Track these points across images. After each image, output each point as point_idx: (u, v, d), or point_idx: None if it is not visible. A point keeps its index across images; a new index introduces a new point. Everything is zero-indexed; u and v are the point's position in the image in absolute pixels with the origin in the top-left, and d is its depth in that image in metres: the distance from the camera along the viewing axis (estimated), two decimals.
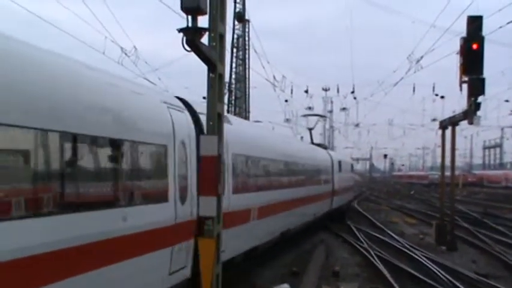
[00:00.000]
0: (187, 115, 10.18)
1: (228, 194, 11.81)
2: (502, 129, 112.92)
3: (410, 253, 19.58)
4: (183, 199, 9.33)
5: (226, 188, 11.48)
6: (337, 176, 31.86)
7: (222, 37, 8.04)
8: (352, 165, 44.04)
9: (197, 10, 6.83)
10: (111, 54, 19.07)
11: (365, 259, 19.15)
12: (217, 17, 7.66)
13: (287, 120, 52.36)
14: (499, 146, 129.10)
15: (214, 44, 7.75)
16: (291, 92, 43.97)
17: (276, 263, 18.29)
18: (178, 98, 10.74)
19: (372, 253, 19.28)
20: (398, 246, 21.64)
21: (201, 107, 11.09)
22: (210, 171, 7.62)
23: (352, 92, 45.16)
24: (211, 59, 7.61)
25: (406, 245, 21.67)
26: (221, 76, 8.14)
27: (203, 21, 7.54)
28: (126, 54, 19.45)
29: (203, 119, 9.94)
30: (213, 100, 7.93)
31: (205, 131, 9.15)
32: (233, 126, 12.74)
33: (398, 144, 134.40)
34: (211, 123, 7.93)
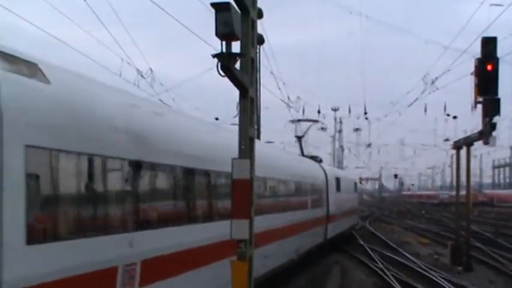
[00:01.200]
0: None
1: (9, 248, 5.24)
2: None
3: (427, 274, 19.48)
4: None
5: None
6: (334, 196, 26.14)
7: (253, 61, 8.18)
8: (355, 184, 38.22)
9: (231, 36, 6.97)
10: (127, 76, 19.21)
11: (381, 280, 19.07)
12: (248, 42, 7.81)
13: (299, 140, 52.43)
14: (509, 165, 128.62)
15: (246, 68, 7.88)
16: (303, 112, 44.00)
17: (291, 285, 18.22)
18: None
19: (389, 274, 19.20)
20: (414, 266, 21.55)
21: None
22: (242, 194, 7.69)
23: (365, 113, 45.27)
24: (244, 84, 7.74)
25: (422, 265, 21.58)
26: (252, 100, 8.26)
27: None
28: (142, 76, 19.57)
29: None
30: (245, 124, 8.03)
31: None
32: (53, 87, 6.27)
33: (408, 164, 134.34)
34: (243, 146, 8.01)
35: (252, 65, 8.11)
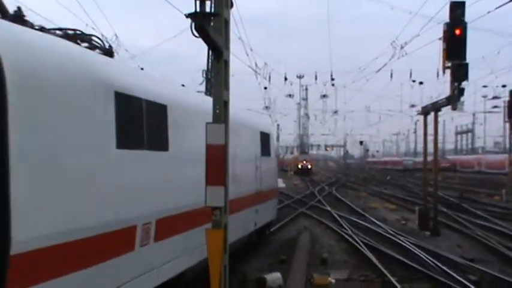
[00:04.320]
0: None
1: None
2: (474, 114, 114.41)
3: (395, 239, 19.67)
4: None
5: None
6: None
7: (227, 23, 7.87)
8: (268, 137, 18.42)
9: None
10: None
11: (351, 246, 19.17)
12: (222, 2, 7.49)
13: (266, 107, 52.25)
14: (471, 131, 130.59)
15: (219, 29, 7.56)
16: (269, 80, 43.75)
17: (263, 251, 18.22)
18: None
19: (358, 240, 19.31)
20: (382, 232, 21.74)
21: None
22: (217, 160, 7.45)
23: (332, 80, 45.26)
24: (218, 45, 7.44)
25: (390, 231, 21.78)
26: (227, 63, 7.96)
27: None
28: (107, 42, 19.04)
29: None
30: (219, 87, 7.74)
31: None
32: None
33: (373, 131, 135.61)
34: (217, 111, 7.73)
35: (225, 27, 7.81)
